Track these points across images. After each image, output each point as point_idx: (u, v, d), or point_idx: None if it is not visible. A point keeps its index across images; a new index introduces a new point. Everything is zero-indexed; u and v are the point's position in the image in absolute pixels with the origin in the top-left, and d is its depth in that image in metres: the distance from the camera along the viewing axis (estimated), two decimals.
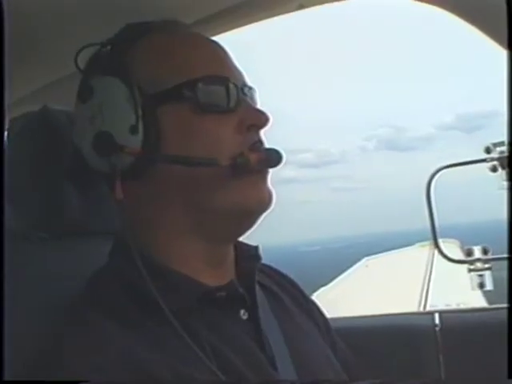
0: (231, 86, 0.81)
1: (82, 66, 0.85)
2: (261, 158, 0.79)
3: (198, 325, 0.74)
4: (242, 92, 0.83)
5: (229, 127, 0.79)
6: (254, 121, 0.81)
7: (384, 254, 19.36)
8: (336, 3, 1.07)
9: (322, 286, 12.29)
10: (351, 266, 17.21)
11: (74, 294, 0.79)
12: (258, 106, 0.86)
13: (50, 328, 0.74)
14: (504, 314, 1.40)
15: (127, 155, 0.77)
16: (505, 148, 1.50)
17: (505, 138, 1.55)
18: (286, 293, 1.01)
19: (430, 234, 1.72)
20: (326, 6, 1.10)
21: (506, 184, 1.51)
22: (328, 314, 1.09)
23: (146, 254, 0.80)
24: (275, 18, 1.15)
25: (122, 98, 0.78)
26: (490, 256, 1.60)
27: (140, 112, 0.77)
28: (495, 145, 1.52)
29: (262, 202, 0.81)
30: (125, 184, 0.79)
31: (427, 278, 11.96)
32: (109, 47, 0.84)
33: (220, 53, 0.85)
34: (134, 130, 0.77)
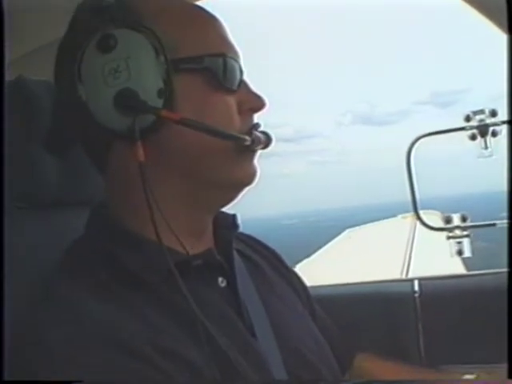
0: (238, 67, 0.81)
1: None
2: (259, 139, 0.81)
3: (175, 294, 0.73)
4: (242, 75, 0.83)
5: (233, 106, 0.80)
6: (253, 104, 0.82)
7: (367, 225, 19.56)
8: None
9: (306, 257, 12.40)
10: (330, 238, 17.33)
11: (51, 265, 0.78)
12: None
13: (27, 300, 0.73)
14: (481, 281, 1.44)
15: (149, 116, 0.74)
16: (484, 116, 1.51)
17: (483, 106, 1.56)
18: (266, 261, 1.01)
19: (409, 207, 1.74)
20: None
21: (485, 152, 1.53)
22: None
23: (124, 224, 0.79)
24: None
25: (150, 58, 0.74)
26: (468, 223, 1.62)
27: (165, 76, 0.75)
28: (475, 113, 1.53)
29: (253, 176, 0.83)
30: (126, 148, 0.77)
31: (409, 249, 12.13)
32: None
33: (227, 32, 0.84)
34: (160, 93, 0.74)
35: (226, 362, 0.73)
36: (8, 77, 0.95)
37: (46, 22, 1.18)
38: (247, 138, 0.79)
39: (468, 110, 1.52)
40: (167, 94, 0.75)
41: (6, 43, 0.72)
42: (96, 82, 0.75)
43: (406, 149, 1.61)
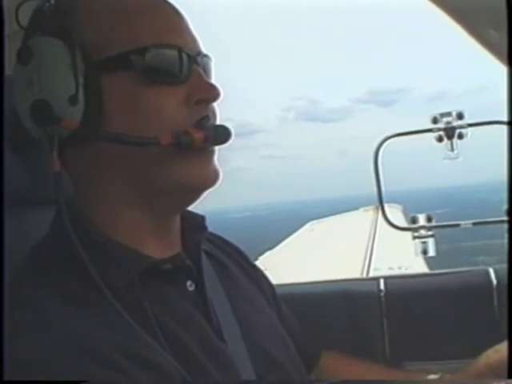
0: (183, 55, 0.76)
1: (23, 23, 0.78)
2: (206, 135, 0.75)
3: (144, 298, 0.73)
4: (195, 62, 0.78)
5: (175, 100, 0.75)
6: (203, 95, 0.77)
7: (329, 217, 19.83)
8: None
9: (269, 249, 12.49)
10: (283, 231, 17.52)
11: (14, 266, 0.75)
12: (213, 75, 0.83)
13: None
14: (444, 280, 1.47)
15: (64, 128, 0.72)
16: (451, 118, 1.54)
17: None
18: (232, 261, 1.01)
19: (368, 202, 1.76)
20: None
21: (451, 154, 1.56)
22: (276, 277, 1.10)
23: (89, 226, 0.77)
24: None
25: (63, 63, 0.72)
26: (433, 224, 1.65)
27: (81, 80, 0.72)
28: (442, 115, 1.56)
29: (206, 181, 0.78)
30: (65, 152, 0.75)
31: (371, 241, 12.32)
32: (52, 1, 0.76)
33: (174, 17, 0.79)
34: (73, 100, 0.72)
35: (194, 365, 0.72)
36: None
37: None
38: (154, 140, 0.73)
39: (436, 113, 1.55)
40: (85, 99, 0.72)
41: None
42: (20, 94, 0.75)
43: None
